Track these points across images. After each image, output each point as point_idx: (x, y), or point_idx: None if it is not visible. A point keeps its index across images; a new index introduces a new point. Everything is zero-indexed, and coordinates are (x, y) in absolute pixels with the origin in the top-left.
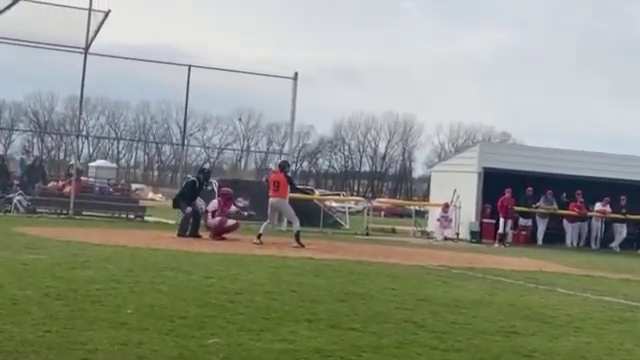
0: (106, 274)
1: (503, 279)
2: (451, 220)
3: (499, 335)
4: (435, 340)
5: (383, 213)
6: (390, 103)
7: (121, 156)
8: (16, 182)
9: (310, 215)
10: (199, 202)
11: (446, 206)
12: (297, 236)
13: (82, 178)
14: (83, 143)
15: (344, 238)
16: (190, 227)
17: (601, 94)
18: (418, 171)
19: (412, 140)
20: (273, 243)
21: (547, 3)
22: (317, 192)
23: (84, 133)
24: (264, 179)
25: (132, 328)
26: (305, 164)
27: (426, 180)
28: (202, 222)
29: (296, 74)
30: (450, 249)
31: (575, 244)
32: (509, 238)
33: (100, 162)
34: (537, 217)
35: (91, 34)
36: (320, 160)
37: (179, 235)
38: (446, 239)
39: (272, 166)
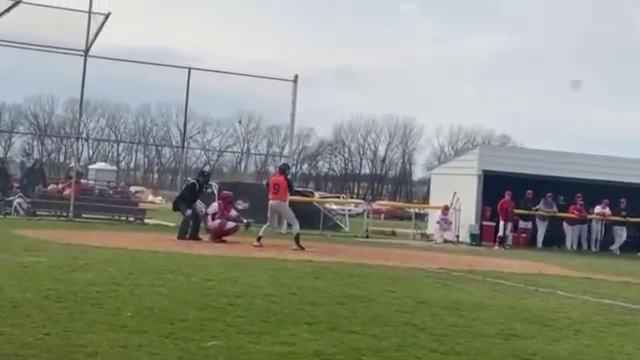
0: (106, 277)
1: (503, 282)
2: (451, 223)
3: (499, 338)
4: (435, 343)
5: (383, 216)
6: (390, 105)
7: (121, 159)
8: (16, 185)
9: (310, 218)
10: (199, 205)
11: (446, 209)
12: (297, 239)
13: (82, 181)
14: (83, 146)
15: (344, 241)
16: (190, 230)
17: (601, 97)
18: (418, 174)
19: (412, 143)
20: (273, 246)
21: (546, 5)
22: (317, 195)
23: (84, 136)
24: (264, 182)
25: (132, 331)
26: (305, 167)
27: (426, 183)
28: (202, 225)
29: (296, 77)
30: (450, 252)
31: (575, 247)
32: (509, 241)
33: (100, 165)
34: (537, 220)
35: (91, 37)
36: (320, 163)
37: (179, 238)
38: (446, 242)
39: (273, 170)
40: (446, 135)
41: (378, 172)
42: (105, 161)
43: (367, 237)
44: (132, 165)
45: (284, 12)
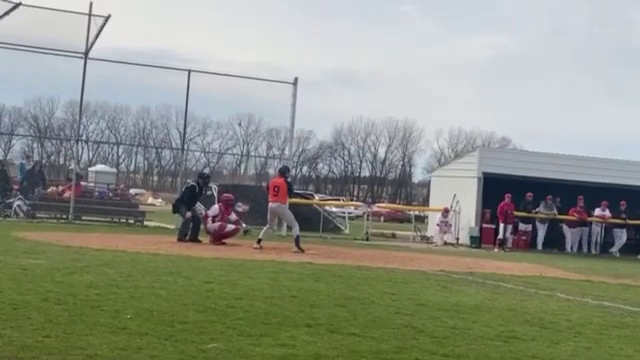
0: (106, 279)
1: (503, 284)
2: (451, 225)
3: (499, 340)
4: (435, 345)
5: (383, 218)
6: (390, 108)
7: (121, 161)
8: (16, 187)
9: (310, 220)
10: (199, 207)
11: (446, 211)
12: (297, 241)
13: (82, 183)
14: (83, 148)
15: (344, 243)
16: (190, 232)
17: (600, 99)
18: (418, 176)
19: (412, 145)
20: (273, 248)
21: (546, 7)
22: (317, 197)
23: (84, 138)
24: (264, 184)
25: (132, 333)
26: (305, 169)
27: (426, 185)
28: (202, 227)
29: (296, 79)
30: (450, 254)
31: (575, 249)
32: (509, 243)
33: (100, 167)
34: (537, 222)
35: (91, 39)
36: (320, 165)
37: (179, 240)
38: (446, 244)
39: (273, 172)
40: (446, 137)
41: (378, 174)
42: (105, 163)
43: (367, 239)
44: (132, 167)
45: (284, 14)
